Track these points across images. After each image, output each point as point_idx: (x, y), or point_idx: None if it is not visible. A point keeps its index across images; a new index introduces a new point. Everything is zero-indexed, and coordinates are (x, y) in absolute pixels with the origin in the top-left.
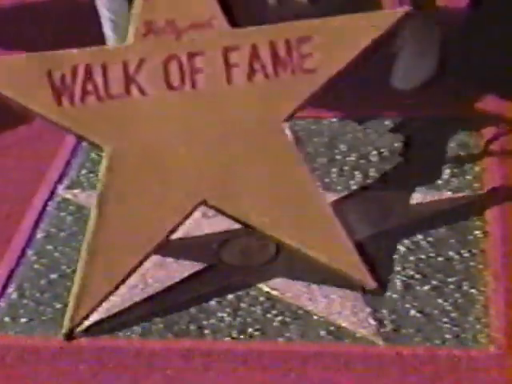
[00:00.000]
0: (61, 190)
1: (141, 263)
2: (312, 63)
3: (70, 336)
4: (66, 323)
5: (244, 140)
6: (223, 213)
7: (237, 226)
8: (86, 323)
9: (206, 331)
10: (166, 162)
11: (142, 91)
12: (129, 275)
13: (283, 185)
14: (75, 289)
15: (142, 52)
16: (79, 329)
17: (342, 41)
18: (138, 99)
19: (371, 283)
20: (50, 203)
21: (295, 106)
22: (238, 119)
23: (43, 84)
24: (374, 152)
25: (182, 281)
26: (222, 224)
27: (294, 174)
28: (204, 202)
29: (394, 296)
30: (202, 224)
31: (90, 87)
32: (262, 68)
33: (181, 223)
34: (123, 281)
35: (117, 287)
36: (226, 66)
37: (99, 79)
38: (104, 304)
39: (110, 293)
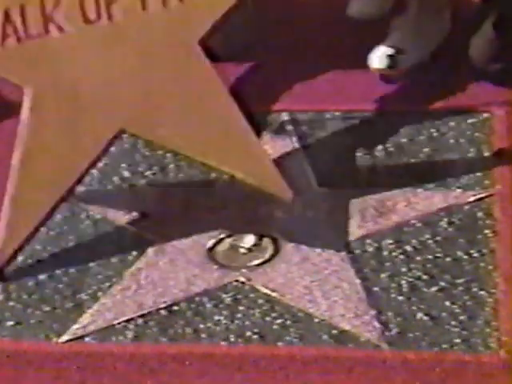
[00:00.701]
0: None
1: (65, 197)
2: None
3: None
4: None
5: (161, 66)
6: (145, 140)
7: (234, 225)
8: (74, 327)
9: (203, 335)
10: (85, 96)
11: (60, 29)
12: (53, 210)
13: (202, 107)
14: (1, 228)
15: None
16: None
17: None
18: (56, 37)
19: (288, 194)
20: None
21: (209, 26)
22: (155, 46)
23: None
24: (380, 147)
25: (177, 282)
26: (218, 223)
27: (212, 95)
28: (123, 131)
29: (400, 298)
30: (198, 224)
31: (9, 30)
32: None
33: (102, 154)
34: (48, 216)
35: (42, 223)
36: None
37: (18, 21)
38: (95, 306)
39: (36, 229)
